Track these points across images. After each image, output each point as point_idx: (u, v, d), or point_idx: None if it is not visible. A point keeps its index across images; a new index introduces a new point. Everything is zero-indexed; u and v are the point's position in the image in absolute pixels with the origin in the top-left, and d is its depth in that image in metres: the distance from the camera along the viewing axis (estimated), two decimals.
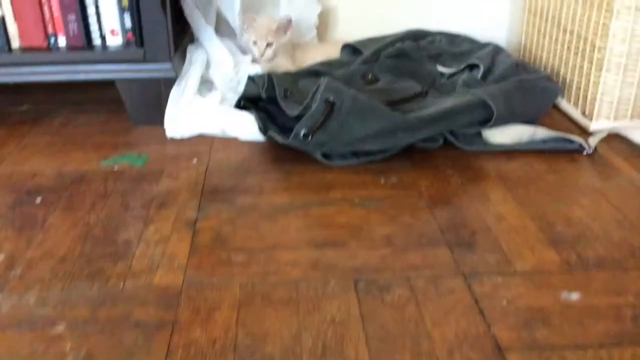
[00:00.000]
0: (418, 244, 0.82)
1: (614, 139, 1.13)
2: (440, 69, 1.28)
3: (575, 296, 0.72)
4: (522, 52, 1.45)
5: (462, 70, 1.23)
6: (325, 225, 0.86)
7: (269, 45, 1.29)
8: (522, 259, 0.79)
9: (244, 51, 1.36)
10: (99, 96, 1.31)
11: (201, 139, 1.14)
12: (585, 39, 1.16)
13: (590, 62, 1.15)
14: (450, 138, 1.09)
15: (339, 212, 0.90)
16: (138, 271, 0.75)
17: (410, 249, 0.81)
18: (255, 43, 1.29)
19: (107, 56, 1.13)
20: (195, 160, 1.05)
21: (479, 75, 1.18)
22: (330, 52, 1.38)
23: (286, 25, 1.30)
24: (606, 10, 1.09)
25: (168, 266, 0.76)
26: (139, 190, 0.95)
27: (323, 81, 1.01)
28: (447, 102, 1.06)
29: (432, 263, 0.78)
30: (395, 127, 1.02)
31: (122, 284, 0.73)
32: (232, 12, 1.32)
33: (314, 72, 1.24)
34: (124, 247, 0.80)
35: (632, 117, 1.15)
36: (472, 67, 1.22)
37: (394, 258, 0.79)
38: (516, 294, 0.72)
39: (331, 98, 0.99)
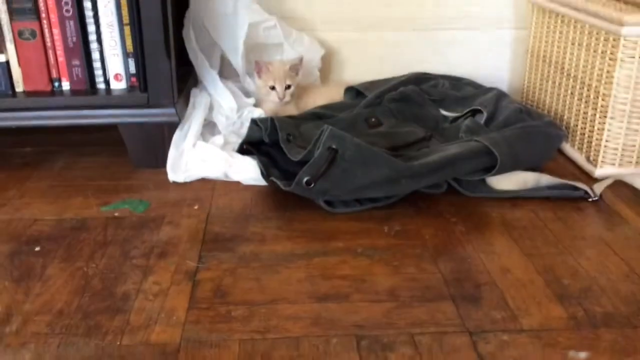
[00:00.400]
0: (422, 298, 0.80)
1: (619, 185, 1.12)
2: (444, 113, 1.27)
3: (583, 355, 0.70)
4: (525, 95, 1.45)
5: (466, 114, 1.22)
6: (328, 277, 0.85)
7: (287, 87, 1.29)
8: (529, 315, 0.77)
9: (247, 94, 1.36)
10: (101, 138, 1.31)
11: (203, 183, 1.13)
12: (589, 85, 1.16)
13: (595, 109, 1.14)
14: (454, 184, 1.08)
15: (341, 262, 0.89)
16: (136, 326, 0.74)
17: (414, 303, 0.79)
18: (273, 88, 1.29)
19: (111, 101, 1.13)
20: (197, 206, 1.04)
21: (483, 121, 1.17)
22: (333, 94, 1.38)
23: (298, 64, 1.31)
24: (610, 59, 1.09)
25: (166, 321, 0.75)
26: (139, 238, 0.94)
27: (326, 129, 1.01)
28: (451, 149, 1.06)
29: (437, 319, 0.76)
30: (398, 174, 1.01)
31: (119, 340, 0.71)
32: (236, 55, 1.33)
33: (317, 116, 1.24)
34: (122, 300, 0.79)
35: (637, 163, 1.14)
36: (476, 111, 1.22)
37: (397, 313, 0.77)
38: (523, 353, 0.70)
39: (334, 146, 0.99)
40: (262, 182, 1.10)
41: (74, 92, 1.14)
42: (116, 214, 1.02)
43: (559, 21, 1.27)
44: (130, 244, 0.92)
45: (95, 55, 1.14)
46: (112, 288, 0.82)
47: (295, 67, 1.31)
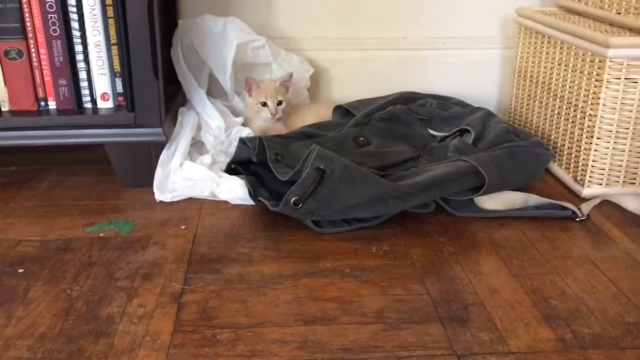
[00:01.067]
0: (410, 320, 0.80)
1: (606, 204, 1.12)
2: (432, 132, 1.28)
3: None
4: (512, 114, 1.45)
5: (454, 134, 1.23)
6: (315, 299, 0.84)
7: (279, 103, 1.29)
8: (517, 337, 0.76)
9: (235, 113, 1.36)
10: (89, 156, 1.30)
11: (190, 202, 1.12)
12: (576, 106, 1.17)
13: (581, 129, 1.15)
14: (442, 203, 1.08)
15: (329, 283, 0.88)
16: (119, 351, 0.73)
17: (402, 325, 0.79)
18: (265, 104, 1.29)
19: (98, 120, 1.13)
20: (183, 226, 1.03)
21: (470, 140, 1.17)
22: (322, 113, 1.38)
23: (288, 80, 1.31)
24: (596, 80, 1.09)
25: (151, 345, 0.73)
26: (124, 259, 0.93)
27: (314, 148, 1.00)
28: (439, 169, 1.06)
29: (425, 341, 0.75)
30: (386, 194, 1.01)
31: None
32: (224, 75, 1.33)
33: (306, 135, 1.24)
34: (106, 324, 0.78)
35: (624, 183, 1.14)
36: (464, 131, 1.23)
37: (385, 335, 0.76)
38: None
39: (322, 166, 0.99)
40: (250, 202, 1.10)
41: (60, 111, 1.14)
42: (102, 235, 1.00)
43: (545, 42, 1.28)
44: (115, 265, 0.91)
45: (82, 74, 1.13)
46: (96, 311, 0.80)
47: (286, 84, 1.31)
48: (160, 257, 0.94)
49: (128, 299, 0.83)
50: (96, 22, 1.10)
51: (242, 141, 1.16)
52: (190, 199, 1.13)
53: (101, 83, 1.14)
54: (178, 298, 0.83)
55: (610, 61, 1.06)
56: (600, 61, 1.08)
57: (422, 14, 1.51)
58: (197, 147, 1.26)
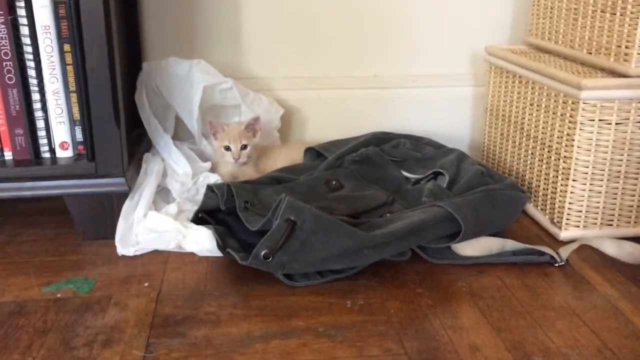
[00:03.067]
0: None
1: (585, 248, 1.10)
2: (405, 174, 1.25)
3: None
4: (485, 153, 1.44)
5: (427, 177, 1.20)
6: None
7: (243, 147, 1.25)
8: None
9: (204, 158, 1.31)
10: (47, 206, 1.24)
11: (155, 255, 1.07)
12: (550, 147, 1.15)
13: (556, 171, 1.13)
14: (419, 251, 1.05)
15: (301, 345, 0.83)
16: None
17: None
18: (228, 148, 1.25)
19: (56, 171, 1.07)
20: (147, 284, 0.98)
21: (445, 184, 1.15)
22: (294, 154, 1.34)
23: (254, 124, 1.27)
24: (570, 122, 1.08)
25: None
26: (82, 323, 0.87)
27: (284, 198, 0.96)
28: (414, 217, 1.02)
29: None
30: (360, 245, 0.97)
31: None
32: (191, 118, 1.29)
33: (276, 180, 1.20)
34: None
35: (601, 225, 1.12)
36: (438, 173, 1.20)
37: None
38: None
39: (292, 217, 0.94)
40: (218, 253, 1.05)
41: (17, 162, 1.08)
42: (59, 295, 0.94)
43: (517, 82, 1.27)
44: (72, 331, 0.85)
45: (40, 123, 1.08)
46: None
47: (252, 127, 1.27)
48: (121, 320, 0.88)
49: None
50: (54, 69, 1.05)
51: (210, 188, 1.11)
52: (154, 251, 1.07)
53: (60, 132, 1.09)
54: None
55: (584, 103, 1.05)
56: (573, 103, 1.07)
57: (391, 52, 1.49)
58: (162, 194, 1.21)
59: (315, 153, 1.34)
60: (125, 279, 0.99)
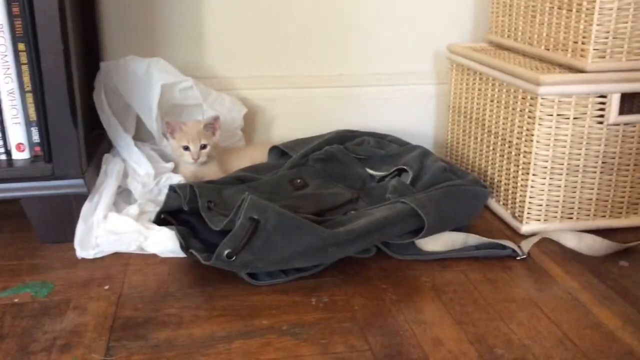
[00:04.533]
0: None
1: (546, 241, 1.11)
2: (370, 172, 1.25)
3: None
4: (448, 150, 1.45)
5: (392, 174, 1.20)
6: None
7: (203, 147, 1.23)
8: None
9: (165, 158, 1.30)
10: (3, 210, 1.20)
11: (116, 258, 1.05)
12: (510, 142, 1.16)
13: (517, 166, 1.15)
14: (383, 248, 1.05)
15: (265, 344, 0.82)
16: None
17: None
18: (187, 148, 1.23)
19: (13, 173, 1.04)
20: (107, 286, 0.96)
21: (409, 180, 1.15)
22: (257, 155, 1.33)
23: (213, 123, 1.25)
24: (529, 117, 1.09)
25: None
26: (40, 328, 0.85)
27: (247, 197, 0.95)
28: (378, 213, 1.03)
29: None
30: (324, 243, 0.96)
31: None
32: (150, 117, 1.26)
33: (240, 179, 1.19)
34: None
35: (561, 218, 1.14)
36: (401, 170, 1.20)
37: None
38: None
39: (255, 216, 0.94)
40: (181, 254, 1.03)
41: None
42: (16, 300, 0.92)
43: (478, 79, 1.28)
44: (30, 336, 0.83)
45: None
46: None
47: (212, 126, 1.25)
48: (80, 324, 0.86)
49: None
50: (8, 68, 1.03)
51: (172, 189, 1.10)
52: (115, 254, 1.05)
53: (16, 133, 1.06)
54: None
55: (542, 98, 1.06)
56: (532, 98, 1.08)
57: (355, 51, 1.49)
58: (124, 196, 1.19)
59: (279, 152, 1.34)
60: (85, 283, 0.97)
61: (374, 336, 0.84)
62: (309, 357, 0.79)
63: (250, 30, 1.44)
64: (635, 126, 1.10)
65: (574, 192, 1.13)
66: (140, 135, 1.37)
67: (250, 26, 1.44)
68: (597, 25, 1.04)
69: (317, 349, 0.81)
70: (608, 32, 1.05)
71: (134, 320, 0.87)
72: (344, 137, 1.35)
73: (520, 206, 1.15)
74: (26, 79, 1.03)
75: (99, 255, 1.04)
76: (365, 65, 1.51)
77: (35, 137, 1.06)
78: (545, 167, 1.10)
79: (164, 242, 1.04)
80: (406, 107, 1.53)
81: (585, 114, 1.08)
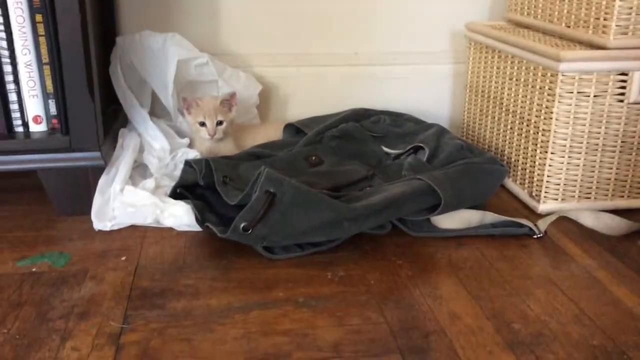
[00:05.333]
0: (368, 353, 0.75)
1: (563, 220, 1.11)
2: (386, 150, 1.24)
3: None
4: (465, 130, 1.44)
5: (408, 151, 1.20)
6: (267, 333, 0.78)
7: (219, 123, 1.23)
8: None
9: (180, 134, 1.30)
10: (21, 183, 1.21)
11: (132, 230, 1.05)
12: (529, 120, 1.15)
13: (535, 144, 1.13)
14: (399, 224, 1.04)
15: (282, 315, 0.82)
16: None
17: (360, 358, 0.74)
18: (203, 124, 1.22)
19: (30, 145, 1.05)
20: (124, 258, 0.96)
21: (425, 158, 1.14)
22: (272, 132, 1.33)
23: (230, 99, 1.25)
24: (548, 94, 1.08)
25: None
26: (58, 296, 0.85)
27: (263, 171, 0.95)
28: (394, 189, 1.02)
29: None
30: (340, 217, 0.96)
31: None
32: (166, 93, 1.26)
33: (256, 155, 1.19)
34: None
35: (579, 198, 1.13)
36: (418, 148, 1.19)
37: None
38: None
39: (271, 189, 0.93)
40: (197, 228, 1.03)
41: None
42: (34, 269, 0.92)
43: (496, 57, 1.27)
44: (48, 303, 0.84)
45: (13, 96, 1.05)
46: (24, 357, 0.73)
47: (228, 103, 1.25)
48: (97, 293, 0.86)
49: (61, 342, 0.75)
50: (26, 40, 1.03)
51: (188, 164, 1.10)
52: (132, 226, 1.06)
53: (33, 105, 1.06)
54: (117, 339, 0.76)
55: (562, 75, 1.05)
56: (552, 75, 1.07)
57: (371, 30, 1.48)
58: (140, 170, 1.19)
59: (294, 129, 1.33)
60: (102, 254, 0.97)
61: (389, 309, 0.84)
62: (324, 329, 0.80)
63: (266, 7, 1.43)
64: None
65: (593, 171, 1.12)
66: (155, 111, 1.37)
67: (266, 3, 1.43)
68: (620, 0, 1.02)
69: (333, 321, 0.81)
70: (631, 7, 1.03)
71: (151, 290, 0.87)
72: (360, 115, 1.34)
73: (537, 185, 1.14)
74: (43, 50, 1.03)
75: (115, 228, 1.05)
76: (381, 44, 1.49)
77: (53, 110, 1.07)
78: (564, 146, 1.09)
79: (181, 216, 1.05)
80: (422, 87, 1.52)
81: (606, 91, 1.07)
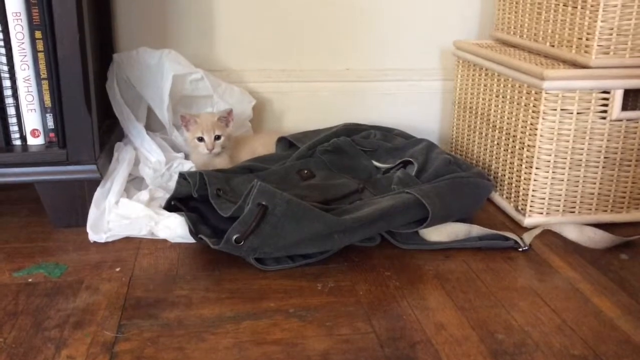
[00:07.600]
0: None
1: (548, 233, 1.14)
2: (376, 164, 1.27)
3: None
4: (453, 145, 1.47)
5: (397, 166, 1.23)
6: (257, 342, 0.81)
7: (217, 138, 1.26)
8: None
9: (175, 148, 1.32)
10: (18, 195, 1.23)
11: (127, 242, 1.07)
12: (514, 136, 1.18)
13: (520, 159, 1.17)
14: (387, 237, 1.07)
15: (272, 325, 0.85)
16: None
17: None
18: (201, 139, 1.25)
19: (27, 158, 1.07)
20: (118, 269, 0.98)
21: (414, 172, 1.17)
22: (265, 144, 1.36)
23: (227, 116, 1.28)
24: (533, 111, 1.11)
25: None
26: (53, 306, 0.87)
27: (255, 184, 0.98)
28: (384, 203, 1.05)
29: None
30: (331, 229, 0.99)
31: None
32: (161, 108, 1.29)
33: (248, 169, 1.21)
34: None
35: (563, 212, 1.16)
36: (407, 163, 1.22)
37: None
38: None
39: (263, 202, 0.96)
40: (190, 240, 1.06)
41: None
42: (30, 280, 0.94)
43: (483, 74, 1.30)
44: (44, 313, 0.86)
45: (11, 110, 1.08)
46: None
47: (225, 119, 1.28)
48: (92, 303, 0.88)
49: (56, 350, 0.77)
50: (25, 56, 1.05)
51: (182, 176, 1.12)
52: (126, 238, 1.08)
53: (31, 119, 1.09)
54: (110, 348, 0.78)
55: (546, 93, 1.08)
56: (536, 93, 1.10)
57: (363, 47, 1.52)
58: (135, 182, 1.22)
59: (287, 143, 1.36)
60: (97, 265, 0.99)
61: (378, 320, 0.86)
62: (314, 338, 0.82)
63: (260, 24, 1.47)
64: (637, 122, 1.12)
65: (577, 186, 1.15)
66: (151, 125, 1.40)
67: (260, 20, 1.46)
68: (602, 21, 1.06)
69: (323, 331, 0.83)
70: (612, 28, 1.07)
71: (145, 301, 0.89)
72: (351, 130, 1.37)
73: (523, 199, 1.17)
74: (42, 66, 1.06)
75: (110, 239, 1.07)
76: (372, 61, 1.53)
77: (50, 124, 1.09)
78: (549, 161, 1.12)
79: (174, 228, 1.07)
80: (412, 103, 1.56)
81: (589, 109, 1.10)
